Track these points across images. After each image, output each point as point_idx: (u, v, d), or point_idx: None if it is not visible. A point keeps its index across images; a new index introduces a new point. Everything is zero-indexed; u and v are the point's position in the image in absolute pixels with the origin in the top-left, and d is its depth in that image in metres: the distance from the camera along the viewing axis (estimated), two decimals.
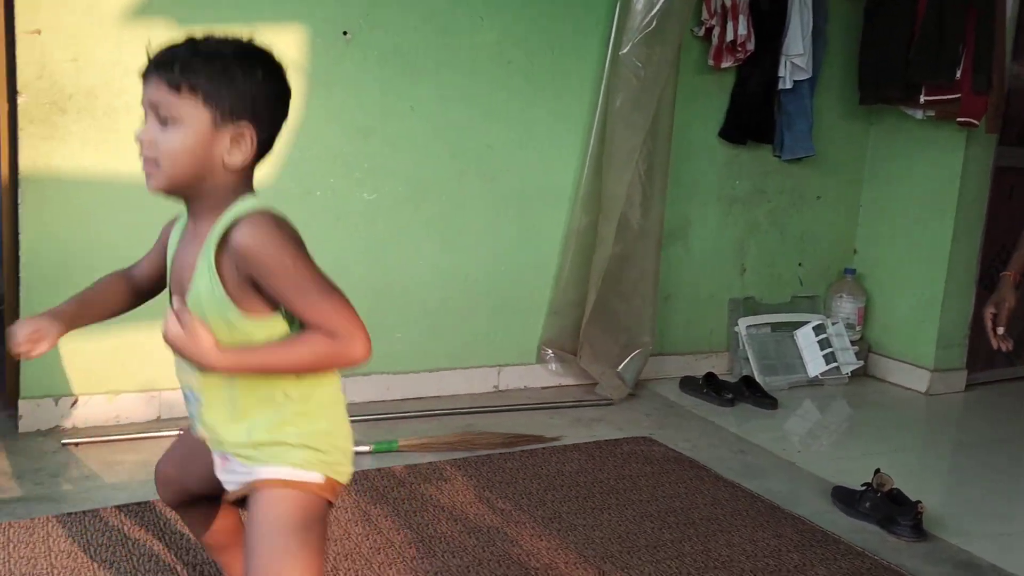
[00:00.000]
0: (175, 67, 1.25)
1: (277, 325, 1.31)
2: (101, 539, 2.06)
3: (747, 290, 4.01)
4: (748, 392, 3.58)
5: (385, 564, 2.03)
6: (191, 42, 1.29)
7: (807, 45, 3.68)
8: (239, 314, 1.29)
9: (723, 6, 3.53)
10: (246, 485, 1.38)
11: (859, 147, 4.13)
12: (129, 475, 2.49)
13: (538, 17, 3.31)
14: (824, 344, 3.87)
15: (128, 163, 2.75)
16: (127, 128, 2.74)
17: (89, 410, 2.83)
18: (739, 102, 3.74)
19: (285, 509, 1.33)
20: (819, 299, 4.16)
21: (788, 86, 3.74)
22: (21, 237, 2.69)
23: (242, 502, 1.41)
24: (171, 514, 2.18)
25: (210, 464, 1.45)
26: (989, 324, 2.11)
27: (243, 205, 1.30)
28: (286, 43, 2.93)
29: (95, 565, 1.94)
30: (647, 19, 3.27)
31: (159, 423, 2.89)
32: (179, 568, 1.95)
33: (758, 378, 3.73)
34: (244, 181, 1.34)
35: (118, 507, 2.23)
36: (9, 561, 1.94)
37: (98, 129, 2.72)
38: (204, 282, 1.29)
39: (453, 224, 3.31)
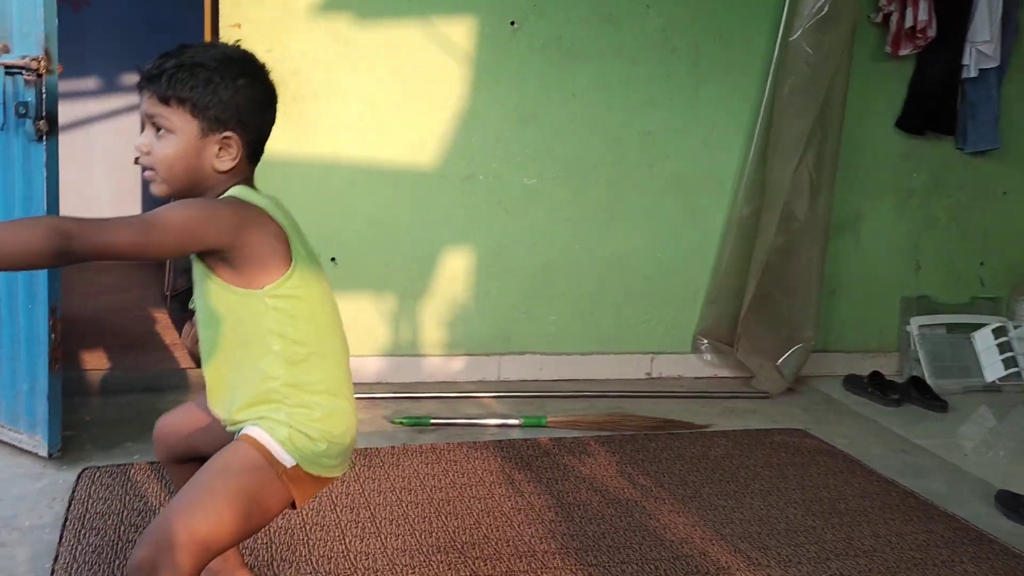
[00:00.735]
0: (163, 80, 1.32)
1: (263, 295, 1.34)
2: None
3: (921, 288, 3.82)
4: (916, 393, 3.42)
5: (524, 524, 2.12)
6: (178, 53, 1.35)
7: (995, 31, 3.47)
8: (220, 283, 1.34)
9: None
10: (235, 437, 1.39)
11: None
12: None
13: (705, 3, 3.31)
14: (1004, 348, 3.64)
15: (312, 145, 3.01)
16: (313, 114, 2.99)
17: None
18: (918, 91, 3.58)
19: (232, 461, 1.33)
20: (1002, 301, 3.90)
21: (973, 75, 3.54)
22: None
23: None
24: None
25: (220, 431, 1.46)
26: None
27: (225, 195, 1.36)
28: (456, 33, 3.09)
29: None
30: (819, 4, 3.19)
31: None
32: (358, 513, 2.13)
33: (929, 380, 3.56)
34: (237, 181, 1.38)
35: None
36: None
37: (287, 115, 2.94)
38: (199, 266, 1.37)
39: (611, 210, 3.37)
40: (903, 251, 3.77)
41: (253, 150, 1.40)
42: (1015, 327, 3.70)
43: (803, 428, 2.99)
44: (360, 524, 2.07)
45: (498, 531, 2.08)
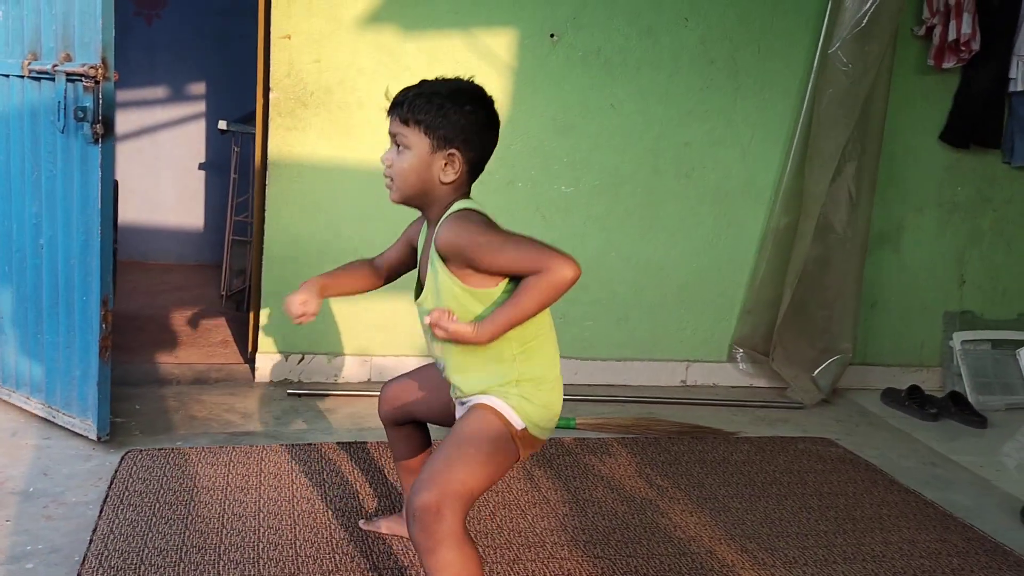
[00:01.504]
0: (404, 106, 1.60)
1: (495, 294, 1.57)
2: (304, 467, 2.38)
3: (965, 304, 3.77)
4: (955, 408, 3.39)
5: (539, 517, 2.19)
6: (419, 85, 1.64)
7: None
8: (463, 288, 1.57)
9: (946, 4, 3.38)
10: (467, 407, 1.64)
11: None
12: (338, 423, 2.83)
13: (744, 16, 3.35)
14: None
15: (356, 152, 3.13)
16: (357, 121, 3.11)
17: (312, 367, 3.22)
18: (963, 104, 3.55)
19: (481, 426, 1.57)
20: None
21: (1020, 88, 3.49)
22: (267, 214, 3.13)
23: None
24: (361, 457, 2.48)
25: (445, 400, 1.76)
26: None
27: (452, 208, 1.61)
28: (497, 44, 3.19)
29: (292, 485, 2.26)
30: (858, 16, 3.20)
31: (369, 384, 3.24)
32: (380, 500, 2.23)
33: (970, 396, 3.52)
34: (459, 193, 1.64)
35: (322, 444, 2.56)
36: (228, 476, 2.30)
37: (333, 122, 3.11)
38: (434, 272, 1.61)
39: (648, 218, 3.42)
40: (947, 265, 3.73)
41: (474, 167, 1.65)
42: None
43: (831, 438, 2.99)
44: (381, 511, 2.17)
45: (511, 522, 2.15)
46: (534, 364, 1.62)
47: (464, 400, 1.67)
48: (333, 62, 3.08)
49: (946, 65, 3.46)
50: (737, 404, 3.35)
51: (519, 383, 1.61)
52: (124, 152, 4.91)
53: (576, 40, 3.25)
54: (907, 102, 3.52)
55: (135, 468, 2.30)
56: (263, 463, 2.40)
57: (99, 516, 2.04)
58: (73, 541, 1.96)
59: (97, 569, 1.81)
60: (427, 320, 1.58)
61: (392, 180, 1.64)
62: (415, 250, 1.79)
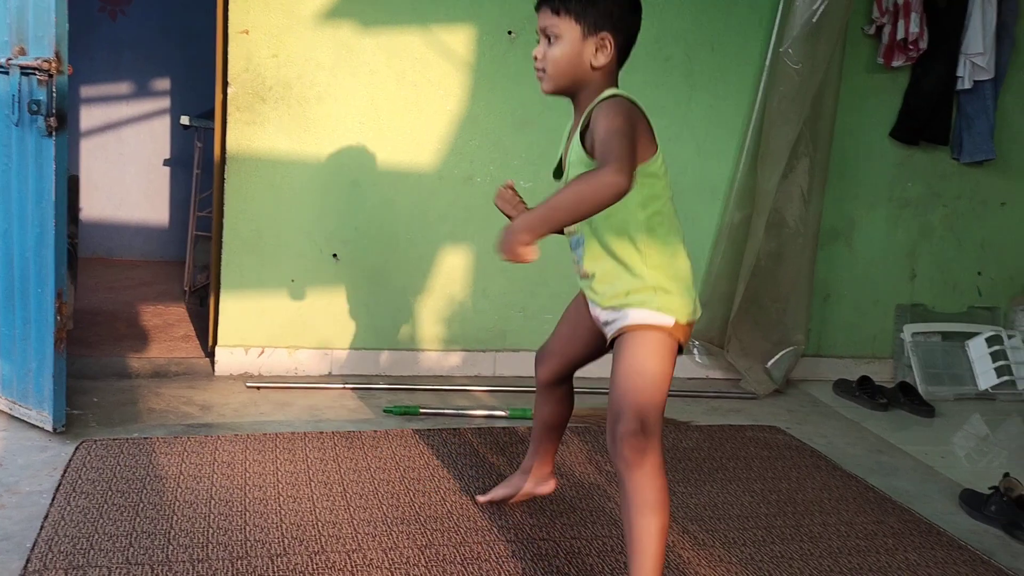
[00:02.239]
0: None
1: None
2: (257, 457, 2.41)
3: (917, 297, 3.87)
4: (904, 399, 3.47)
5: (488, 502, 2.24)
6: None
7: (989, 44, 3.52)
8: (588, 163, 1.67)
9: (895, 3, 3.46)
10: (617, 330, 1.76)
11: None
12: (295, 415, 2.86)
13: (698, 15, 3.41)
14: (998, 356, 3.67)
15: (315, 146, 3.16)
16: (316, 116, 3.14)
17: (272, 361, 3.25)
18: (913, 102, 3.64)
19: (645, 344, 1.71)
20: (999, 311, 3.93)
21: (967, 86, 3.59)
22: (225, 208, 3.15)
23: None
24: (316, 447, 2.52)
25: (591, 326, 1.90)
26: None
27: (606, 92, 1.71)
28: (456, 41, 3.23)
29: (245, 474, 2.29)
30: (808, 16, 3.28)
31: (330, 377, 3.27)
32: (331, 488, 2.27)
33: (920, 387, 3.60)
34: (610, 81, 1.75)
35: (278, 435, 2.59)
36: (182, 465, 2.33)
37: (291, 116, 3.14)
38: (576, 151, 1.72)
39: None
40: (898, 259, 3.82)
41: (621, 51, 1.76)
42: (1009, 337, 3.72)
43: (781, 427, 3.06)
44: (331, 497, 2.21)
45: (461, 508, 2.20)
46: (662, 251, 1.73)
47: (612, 316, 1.77)
48: (291, 57, 3.11)
49: (895, 63, 3.54)
50: (692, 395, 3.41)
51: (653, 273, 1.72)
52: (89, 148, 4.91)
53: (534, 37, 3.28)
54: (858, 100, 3.61)
55: (89, 458, 2.32)
56: (217, 453, 2.43)
57: (51, 504, 2.07)
58: (25, 529, 1.98)
59: (47, 554, 1.84)
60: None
61: (544, 71, 1.75)
62: None
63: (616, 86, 1.76)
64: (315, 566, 1.87)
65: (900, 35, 3.47)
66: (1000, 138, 3.73)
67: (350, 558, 1.92)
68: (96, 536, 1.92)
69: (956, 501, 2.55)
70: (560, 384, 2.11)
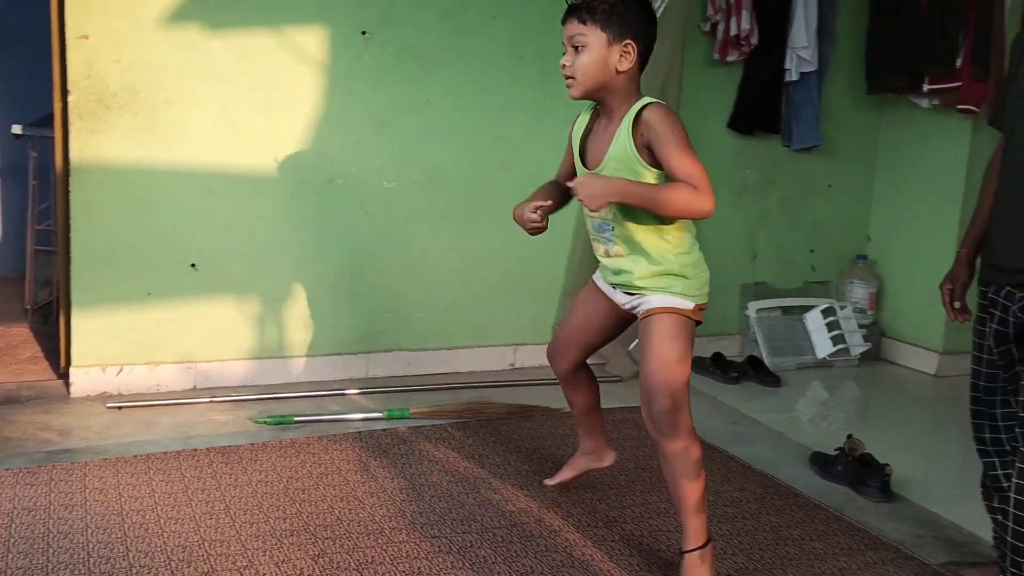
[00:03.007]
0: (582, 9, 1.89)
1: (658, 176, 1.87)
2: (130, 480, 2.33)
3: (759, 276, 4.14)
4: (753, 371, 3.72)
5: (375, 505, 2.26)
6: None
7: (811, 38, 3.80)
8: (643, 163, 1.86)
9: (727, 2, 3.68)
10: (641, 312, 1.97)
11: (871, 136, 4.23)
12: (163, 434, 2.77)
13: (547, 13, 3.50)
14: (832, 327, 3.98)
15: (166, 152, 3.06)
16: (165, 121, 3.04)
17: (133, 378, 3.13)
18: (746, 94, 3.89)
19: (669, 326, 1.92)
20: (831, 285, 4.26)
21: (794, 78, 3.87)
22: (72, 222, 3.00)
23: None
24: (191, 465, 2.45)
25: (606, 312, 2.11)
26: (947, 299, 2.21)
27: (645, 99, 1.90)
28: (308, 42, 3.19)
29: (120, 499, 2.22)
30: None
31: (195, 391, 3.17)
32: (212, 506, 2.22)
33: (766, 359, 3.87)
34: (634, 85, 1.93)
35: (149, 455, 2.51)
36: (50, 495, 2.22)
37: (139, 123, 3.02)
38: (620, 147, 1.89)
39: (469, 210, 3.54)
40: (740, 242, 4.08)
41: (642, 57, 1.92)
42: (841, 307, 4.05)
43: None
44: (214, 515, 2.17)
45: (350, 513, 2.21)
46: (683, 239, 1.93)
47: (637, 301, 1.98)
48: (136, 62, 2.99)
49: (730, 58, 3.77)
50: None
51: (676, 260, 1.92)
52: None
53: (388, 37, 3.31)
54: (697, 93, 3.82)
55: None
56: (87, 479, 2.33)
57: None
58: None
59: None
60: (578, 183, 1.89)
61: (574, 78, 1.90)
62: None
63: (639, 90, 1.95)
64: None
65: (733, 31, 3.69)
66: (826, 126, 4.04)
67: (242, 575, 1.90)
68: None
69: (807, 463, 2.77)
70: (580, 370, 2.29)
